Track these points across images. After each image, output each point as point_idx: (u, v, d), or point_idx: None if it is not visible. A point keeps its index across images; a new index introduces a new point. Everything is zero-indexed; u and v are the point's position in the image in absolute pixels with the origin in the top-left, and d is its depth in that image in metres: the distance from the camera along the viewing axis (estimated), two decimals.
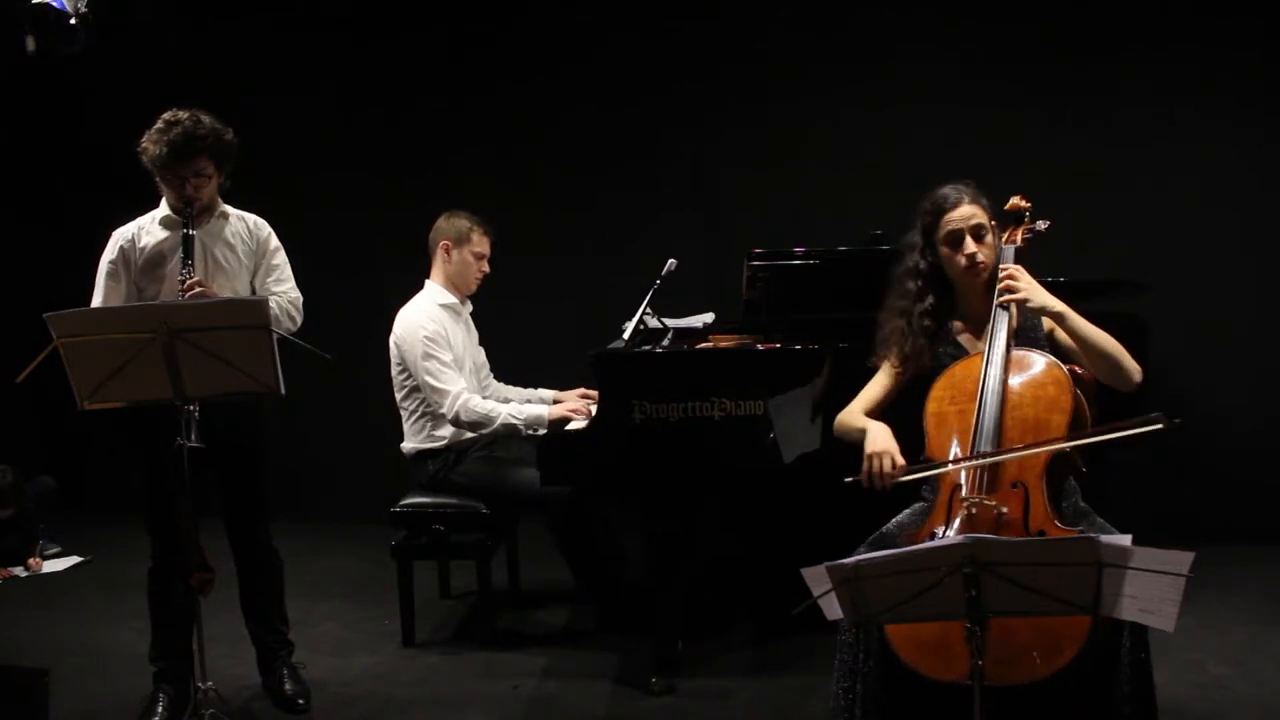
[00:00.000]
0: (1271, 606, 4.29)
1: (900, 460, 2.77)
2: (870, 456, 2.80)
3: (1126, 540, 2.12)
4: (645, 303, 4.15)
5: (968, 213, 2.89)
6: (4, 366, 3.32)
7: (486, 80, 5.83)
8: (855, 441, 2.90)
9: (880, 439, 2.83)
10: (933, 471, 2.75)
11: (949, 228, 2.90)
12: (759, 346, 3.94)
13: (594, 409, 3.87)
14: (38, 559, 5.35)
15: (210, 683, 3.23)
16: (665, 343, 4.25)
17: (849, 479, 2.81)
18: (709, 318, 4.56)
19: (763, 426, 3.46)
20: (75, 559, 5.47)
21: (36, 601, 4.91)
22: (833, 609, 2.27)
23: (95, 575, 5.27)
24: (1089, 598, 2.12)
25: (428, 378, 4.12)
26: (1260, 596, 4.40)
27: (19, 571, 5.27)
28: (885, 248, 4.33)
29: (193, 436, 3.05)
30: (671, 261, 4.22)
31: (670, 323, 4.42)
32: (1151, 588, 2.09)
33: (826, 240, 4.44)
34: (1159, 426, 2.47)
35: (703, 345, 4.17)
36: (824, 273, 4.24)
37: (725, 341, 4.23)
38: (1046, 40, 5.25)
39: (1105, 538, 2.12)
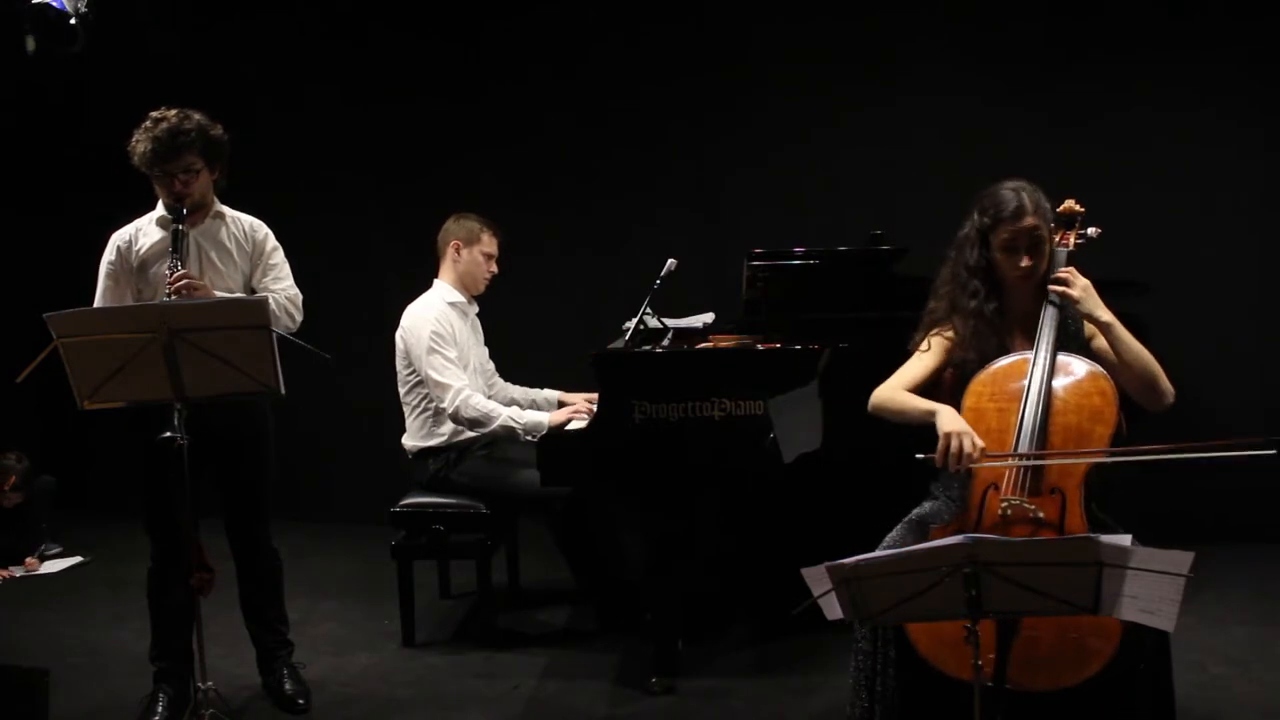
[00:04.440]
0: (1271, 606, 4.29)
1: (981, 444, 2.66)
2: (950, 435, 2.66)
3: (1126, 540, 2.12)
4: (645, 303, 4.16)
5: (1030, 224, 2.82)
6: (4, 366, 3.32)
7: (486, 80, 5.83)
8: (908, 421, 2.80)
9: (957, 420, 2.71)
10: (1009, 464, 2.66)
11: (1006, 234, 2.84)
12: (759, 346, 3.94)
13: (594, 409, 3.88)
14: (35, 559, 5.35)
15: (210, 683, 3.23)
16: (665, 343, 4.25)
17: (920, 456, 2.69)
18: (709, 318, 4.56)
19: (763, 426, 3.46)
20: (75, 559, 5.47)
21: (36, 601, 4.91)
22: (833, 609, 2.27)
23: (95, 575, 5.27)
24: (1089, 598, 2.12)
25: (431, 372, 4.13)
26: (1260, 596, 4.40)
27: (17, 571, 5.27)
28: (885, 248, 4.35)
29: (180, 429, 3.03)
30: (671, 261, 4.22)
31: (670, 323, 4.42)
32: (1152, 588, 2.09)
33: (826, 240, 4.44)
34: (1271, 451, 2.36)
35: (703, 345, 4.17)
36: (824, 273, 4.24)
37: (725, 341, 4.23)
38: (1047, 40, 5.25)
39: (1105, 538, 2.13)
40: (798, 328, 3.98)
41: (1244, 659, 3.80)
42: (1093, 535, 2.17)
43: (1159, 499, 4.42)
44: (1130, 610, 2.12)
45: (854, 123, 5.44)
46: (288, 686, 3.68)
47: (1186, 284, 5.02)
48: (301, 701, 3.65)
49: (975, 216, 2.91)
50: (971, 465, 2.65)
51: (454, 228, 4.39)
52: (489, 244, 4.38)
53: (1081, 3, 5.22)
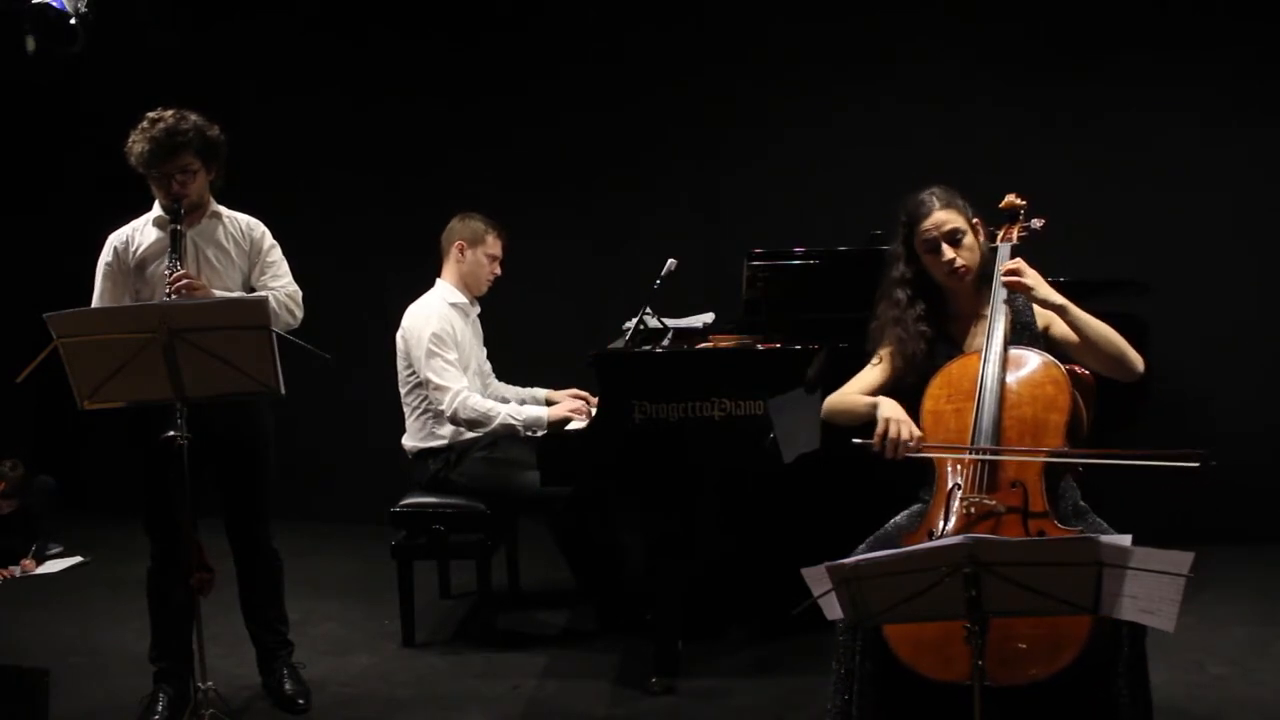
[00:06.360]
0: (1271, 606, 4.29)
1: (918, 433, 2.73)
2: (887, 420, 2.73)
3: (1126, 540, 2.12)
4: (645, 303, 4.15)
5: (940, 219, 2.88)
6: (4, 367, 3.32)
7: (486, 81, 5.83)
8: (857, 419, 2.85)
9: (896, 408, 2.78)
10: (949, 454, 2.70)
11: (924, 236, 2.90)
12: (759, 346, 3.94)
13: (594, 410, 3.87)
14: (30, 560, 5.35)
15: (210, 683, 3.23)
16: (665, 343, 4.25)
17: (857, 440, 2.75)
18: (709, 318, 4.56)
19: (763, 426, 3.46)
20: (75, 559, 5.47)
21: (36, 601, 4.91)
22: (833, 609, 2.27)
23: (95, 575, 5.28)
24: (1089, 598, 2.12)
25: (430, 374, 4.14)
26: (1260, 596, 4.40)
27: (16, 572, 5.28)
28: (885, 248, 4.33)
29: (181, 428, 3.04)
30: (671, 261, 4.22)
31: (670, 323, 4.42)
32: (1152, 588, 2.08)
33: (826, 240, 4.44)
34: (1194, 465, 2.38)
35: (703, 345, 4.17)
36: (824, 273, 4.24)
37: (725, 341, 4.23)
38: (1047, 40, 5.26)
39: (1105, 538, 2.12)
40: (798, 328, 3.98)
41: (1244, 659, 3.80)
42: (1092, 535, 2.17)
43: (1159, 499, 4.43)
44: (1130, 610, 2.12)
45: (855, 123, 5.45)
46: (288, 686, 3.68)
47: (1186, 284, 5.02)
48: (301, 701, 3.65)
49: (899, 230, 2.97)
50: (909, 454, 2.71)
51: (459, 228, 4.38)
52: (494, 245, 4.38)
53: (1082, 3, 5.22)
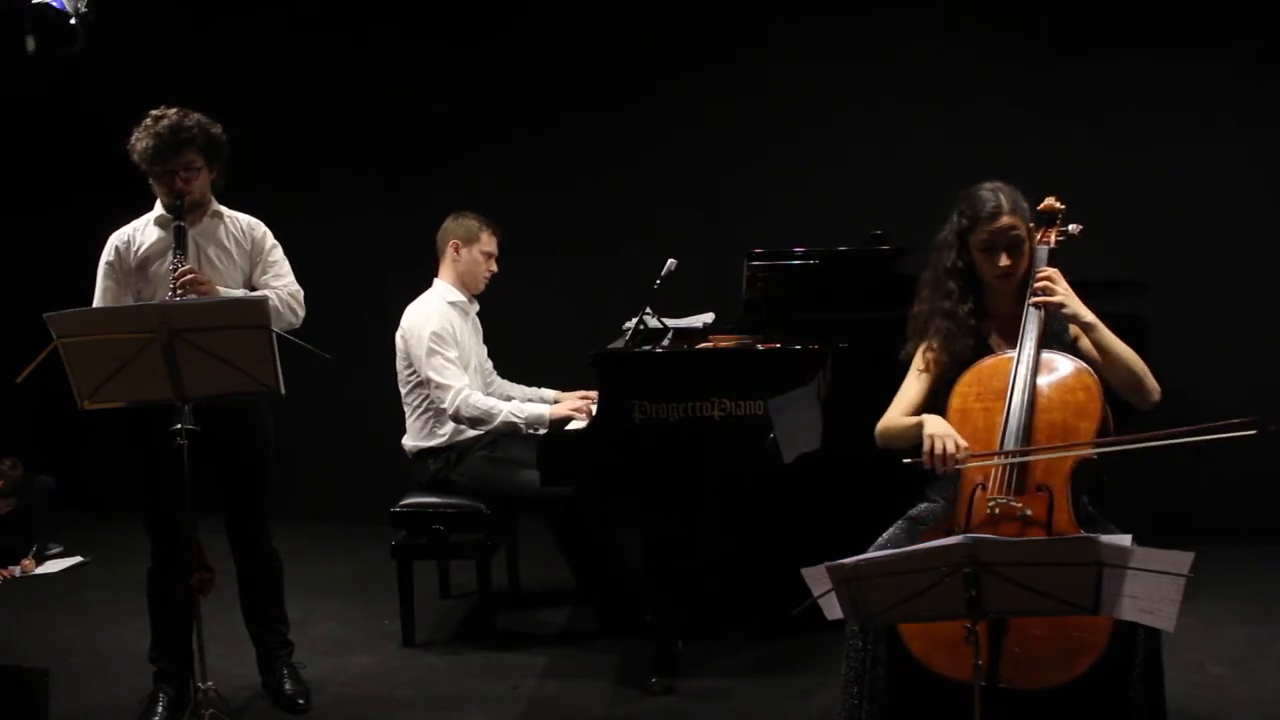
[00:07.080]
0: (1270, 606, 4.29)
1: (964, 444, 2.68)
2: (933, 438, 2.68)
3: (1127, 540, 2.12)
4: (645, 303, 4.15)
5: (1007, 224, 2.83)
6: (4, 366, 3.32)
7: (486, 80, 5.83)
8: (909, 440, 2.81)
9: (941, 423, 2.73)
10: (997, 462, 2.67)
11: (985, 236, 2.85)
12: (759, 346, 3.94)
13: (594, 409, 3.88)
14: (30, 560, 5.35)
15: (210, 683, 3.23)
16: (665, 343, 4.25)
17: (908, 460, 2.71)
18: (709, 318, 4.56)
19: (763, 426, 3.46)
20: (75, 559, 5.47)
21: (36, 601, 4.91)
22: (833, 609, 2.27)
23: (95, 575, 5.28)
24: (1089, 598, 2.12)
25: (431, 373, 4.14)
26: (1259, 596, 4.40)
27: (16, 571, 5.28)
28: (885, 248, 4.35)
29: (187, 422, 3.04)
30: (671, 261, 4.22)
31: (670, 323, 4.42)
32: (1152, 588, 2.09)
33: (826, 240, 4.44)
34: (1250, 432, 2.38)
35: (703, 345, 4.17)
36: (824, 273, 4.25)
37: (725, 341, 4.23)
38: (1047, 40, 5.26)
39: (1105, 538, 2.13)
40: (798, 328, 3.98)
41: (1244, 659, 3.80)
42: (1092, 535, 2.17)
43: (1159, 499, 4.44)
44: (1130, 610, 2.12)
45: (854, 123, 5.45)
46: (288, 686, 3.68)
47: (1186, 284, 5.02)
48: (301, 701, 3.65)
49: (954, 218, 2.92)
50: (958, 466, 2.66)
51: (453, 227, 4.39)
52: (488, 243, 4.39)
53: (1081, 3, 5.22)
